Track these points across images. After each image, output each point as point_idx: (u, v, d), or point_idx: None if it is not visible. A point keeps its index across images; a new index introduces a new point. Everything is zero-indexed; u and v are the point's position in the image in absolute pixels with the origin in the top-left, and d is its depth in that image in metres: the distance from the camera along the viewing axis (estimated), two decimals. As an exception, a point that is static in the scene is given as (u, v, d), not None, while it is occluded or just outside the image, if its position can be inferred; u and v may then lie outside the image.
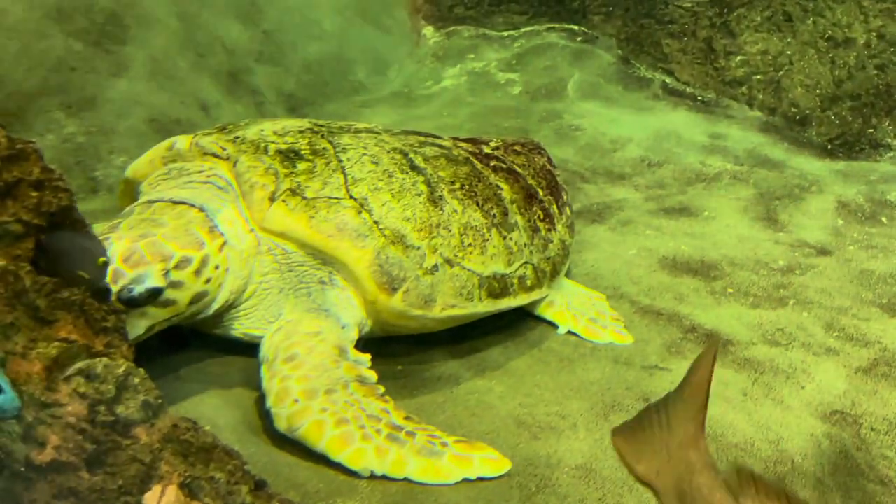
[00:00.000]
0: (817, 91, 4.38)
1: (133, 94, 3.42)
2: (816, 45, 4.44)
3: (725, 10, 4.64)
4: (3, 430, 1.12)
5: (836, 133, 4.29)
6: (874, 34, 4.35)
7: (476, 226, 2.30)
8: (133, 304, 1.83)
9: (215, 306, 2.06)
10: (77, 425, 1.20)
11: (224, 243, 2.03)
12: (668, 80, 4.77)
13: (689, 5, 4.71)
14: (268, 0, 4.23)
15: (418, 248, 2.17)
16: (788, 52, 4.48)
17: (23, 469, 1.12)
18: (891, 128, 4.25)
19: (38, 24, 3.27)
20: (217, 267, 2.00)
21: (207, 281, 1.98)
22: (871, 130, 4.26)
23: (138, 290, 1.84)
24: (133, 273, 1.85)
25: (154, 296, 1.88)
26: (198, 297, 1.98)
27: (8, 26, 3.18)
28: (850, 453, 2.12)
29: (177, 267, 1.91)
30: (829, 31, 4.42)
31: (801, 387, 2.37)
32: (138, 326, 1.87)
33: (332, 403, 1.89)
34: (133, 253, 1.87)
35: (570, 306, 2.57)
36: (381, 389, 1.98)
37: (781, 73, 4.47)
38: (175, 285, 1.91)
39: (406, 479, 1.83)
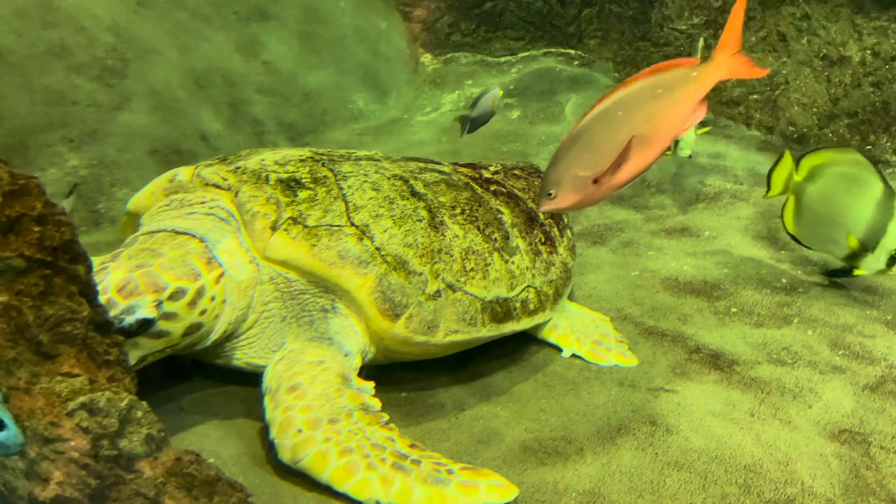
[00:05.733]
0: (814, 109, 4.41)
1: (134, 127, 3.45)
2: (812, 63, 4.47)
3: (720, 32, 4.68)
4: (6, 467, 1.12)
5: (835, 150, 4.30)
6: (868, 52, 4.38)
7: (478, 250, 2.30)
8: (123, 334, 1.82)
9: (213, 337, 2.05)
10: (80, 460, 1.20)
11: (222, 274, 2.03)
12: (665, 101, 4.79)
13: (684, 27, 4.76)
14: (267, 31, 4.28)
15: (420, 273, 2.17)
16: (784, 72, 4.51)
17: (26, 506, 1.11)
18: (889, 144, 4.27)
19: (39, 59, 3.31)
20: (213, 298, 1.99)
21: (203, 312, 1.97)
22: (869, 147, 4.27)
23: (128, 320, 1.84)
24: (125, 303, 1.84)
25: (145, 326, 1.87)
26: (193, 329, 1.97)
27: (10, 62, 3.22)
28: (859, 472, 2.10)
29: (171, 298, 1.91)
30: (824, 50, 4.46)
31: (808, 406, 2.35)
32: (130, 357, 1.86)
33: (336, 433, 1.88)
34: (127, 283, 1.87)
35: (573, 329, 2.56)
36: (386, 417, 1.97)
37: (778, 92, 4.50)
38: (168, 316, 1.91)
39: (412, 508, 1.81)
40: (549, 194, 1.51)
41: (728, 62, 1.53)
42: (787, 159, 3.04)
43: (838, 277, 3.07)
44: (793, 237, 3.11)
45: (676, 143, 3.45)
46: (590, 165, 1.49)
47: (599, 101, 1.51)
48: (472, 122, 3.40)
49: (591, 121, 1.50)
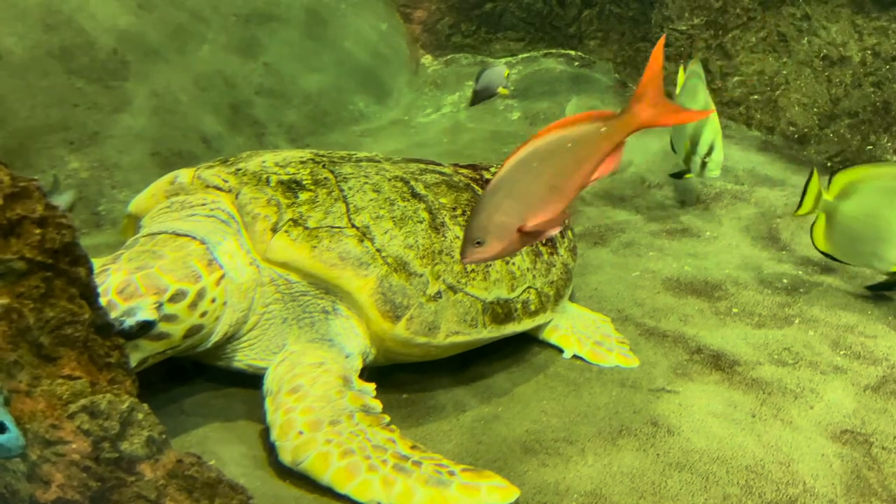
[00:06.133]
0: (815, 109, 4.41)
1: (135, 129, 3.46)
2: (812, 64, 4.47)
3: (720, 32, 4.68)
4: (7, 469, 1.12)
5: (835, 151, 4.30)
6: (869, 52, 4.38)
7: (478, 252, 2.30)
8: (124, 336, 1.82)
9: (214, 339, 2.05)
10: (81, 463, 1.20)
11: (222, 276, 2.03)
12: (665, 102, 4.79)
13: (685, 28, 4.76)
14: (267, 33, 4.29)
15: (421, 275, 2.17)
16: (784, 72, 4.51)
17: (27, 509, 1.11)
18: (889, 144, 4.26)
19: (40, 61, 3.31)
20: (214, 300, 1.99)
21: (203, 314, 1.97)
22: (870, 147, 4.27)
23: (129, 322, 1.84)
24: (125, 305, 1.84)
25: (145, 329, 1.87)
26: (193, 331, 1.97)
27: (11, 64, 3.23)
28: (861, 473, 2.10)
29: (171, 300, 1.91)
30: (825, 50, 4.46)
31: (809, 406, 2.35)
32: (131, 359, 1.86)
33: (337, 434, 1.88)
34: (128, 285, 1.87)
35: (574, 330, 2.56)
36: (387, 419, 1.97)
37: (778, 92, 4.50)
38: (169, 318, 1.91)
39: (414, 510, 1.81)
40: (478, 243, 1.51)
41: (645, 112, 1.49)
42: (815, 178, 3.03)
43: (883, 291, 3.04)
44: (825, 255, 3.09)
45: (704, 163, 3.38)
46: (513, 214, 1.51)
47: (515, 152, 1.53)
48: (475, 95, 3.40)
49: (509, 171, 1.52)
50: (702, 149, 3.35)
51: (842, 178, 3.01)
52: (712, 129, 3.38)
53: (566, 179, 1.52)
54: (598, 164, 1.53)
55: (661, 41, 1.52)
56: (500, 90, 3.40)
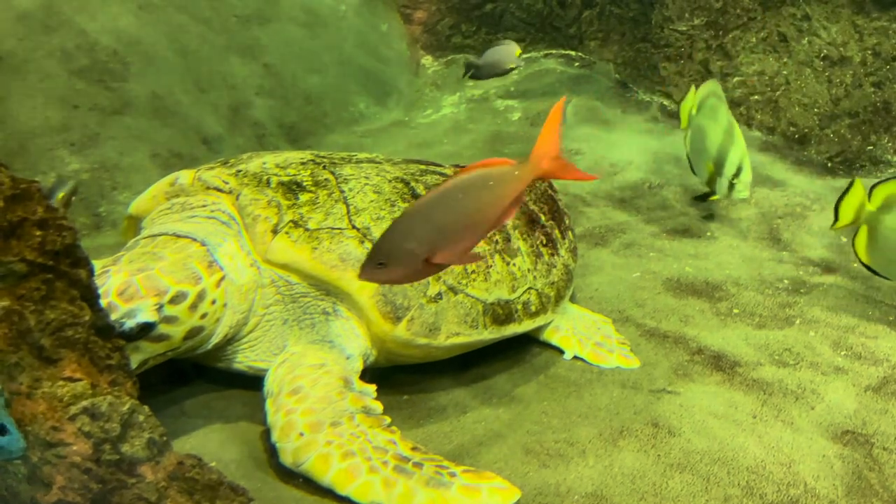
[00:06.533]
0: (815, 110, 4.41)
1: (135, 131, 3.46)
2: (812, 64, 4.47)
3: (721, 33, 4.68)
4: (8, 471, 1.12)
5: (836, 151, 4.30)
6: (869, 52, 4.38)
7: (479, 252, 2.30)
8: (124, 338, 1.82)
9: (214, 340, 2.05)
10: (82, 465, 1.20)
11: (223, 278, 2.03)
12: (666, 102, 4.80)
13: (685, 28, 4.76)
14: (268, 33, 4.29)
15: (422, 276, 2.17)
16: (785, 73, 4.51)
17: (28, 511, 1.11)
18: (890, 144, 4.26)
19: (40, 63, 3.31)
20: (214, 302, 1.99)
21: (203, 316, 1.97)
22: (871, 147, 4.27)
23: (129, 324, 1.84)
24: (126, 307, 1.84)
25: (146, 330, 1.87)
26: (194, 332, 1.97)
27: (11, 66, 3.23)
28: (862, 474, 2.09)
29: (171, 301, 1.91)
30: (825, 51, 4.46)
31: (810, 407, 2.35)
32: (131, 361, 1.86)
33: (338, 436, 1.88)
34: (128, 286, 1.87)
35: (575, 331, 2.56)
36: (388, 420, 1.97)
37: (779, 92, 4.50)
38: (169, 320, 1.91)
39: (414, 511, 1.80)
40: (381, 263, 1.52)
41: (543, 164, 1.55)
42: (858, 188, 2.96)
43: None
44: (867, 267, 3.02)
45: (732, 184, 3.27)
46: (423, 243, 1.52)
47: (440, 184, 1.55)
48: (476, 69, 3.30)
49: (429, 200, 1.54)
50: (729, 170, 3.25)
51: (884, 190, 2.94)
52: (739, 148, 3.28)
53: (482, 217, 1.56)
54: (509, 208, 1.57)
55: (561, 102, 1.63)
56: (509, 65, 3.27)
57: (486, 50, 3.31)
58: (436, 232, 1.52)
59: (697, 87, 3.57)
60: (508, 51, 3.32)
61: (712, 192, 3.41)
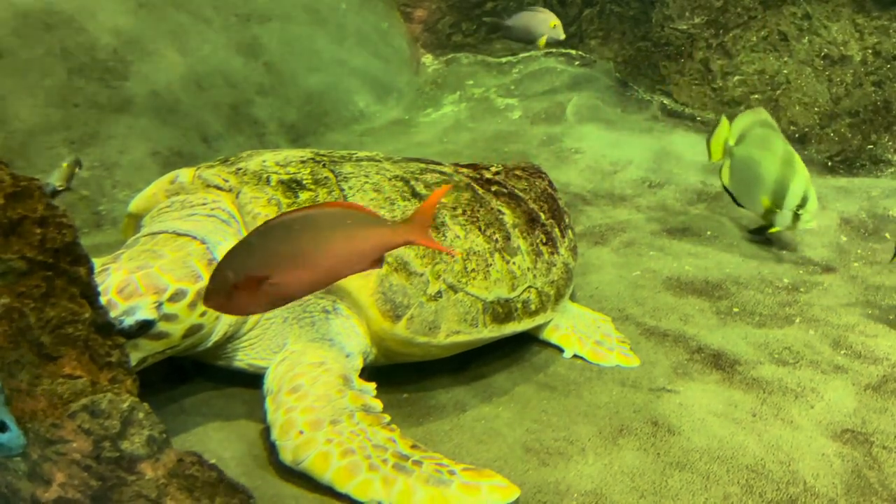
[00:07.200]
0: (815, 109, 4.41)
1: (135, 129, 3.46)
2: (813, 63, 4.47)
3: (721, 32, 4.68)
4: (8, 468, 1.12)
5: (836, 150, 4.30)
6: (870, 51, 4.38)
7: (479, 251, 2.30)
8: (124, 335, 1.82)
9: (214, 338, 2.05)
10: (82, 462, 1.20)
11: None
12: (666, 101, 4.80)
13: (685, 27, 4.76)
14: (268, 32, 4.29)
15: (421, 274, 2.17)
16: (785, 72, 4.51)
17: (28, 508, 1.11)
18: (890, 143, 4.26)
19: (40, 61, 3.31)
20: None
21: (203, 314, 1.97)
22: (871, 146, 4.27)
23: (128, 321, 1.84)
24: (125, 305, 1.84)
25: (145, 328, 1.87)
26: (193, 330, 1.97)
27: (11, 64, 3.23)
28: (862, 472, 2.10)
29: (171, 300, 1.91)
30: (826, 50, 4.46)
31: (810, 406, 2.35)
32: (131, 358, 1.86)
33: (338, 434, 1.88)
34: (128, 284, 1.87)
35: (575, 329, 2.56)
36: (387, 418, 1.97)
37: (779, 91, 4.50)
38: (168, 318, 1.91)
39: (414, 509, 1.81)
40: (220, 289, 1.50)
41: (413, 231, 1.60)
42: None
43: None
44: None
45: (797, 215, 3.09)
46: (263, 267, 1.49)
47: (289, 212, 1.52)
48: (504, 28, 3.14)
49: (276, 224, 1.51)
50: (792, 201, 3.09)
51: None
52: (801, 178, 3.10)
53: (327, 253, 1.53)
54: (361, 260, 1.56)
55: (446, 188, 1.81)
56: (541, 41, 3.08)
57: (515, 14, 3.12)
58: (278, 258, 1.49)
59: (728, 116, 3.36)
60: (543, 18, 3.12)
61: (770, 225, 3.24)
